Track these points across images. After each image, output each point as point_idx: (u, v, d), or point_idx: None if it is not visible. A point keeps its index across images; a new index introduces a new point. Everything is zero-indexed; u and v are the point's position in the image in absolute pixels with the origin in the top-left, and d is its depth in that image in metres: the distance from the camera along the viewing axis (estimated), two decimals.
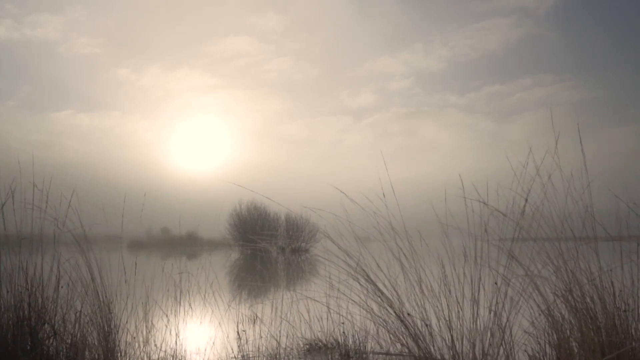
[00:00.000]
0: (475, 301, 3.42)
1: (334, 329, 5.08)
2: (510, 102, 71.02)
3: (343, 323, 4.70)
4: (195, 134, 71.06)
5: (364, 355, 4.52)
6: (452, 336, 3.33)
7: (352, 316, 4.57)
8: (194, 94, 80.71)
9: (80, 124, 76.52)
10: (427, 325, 3.33)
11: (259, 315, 5.21)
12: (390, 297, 3.47)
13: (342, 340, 4.91)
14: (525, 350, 3.84)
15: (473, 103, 72.95)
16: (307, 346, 5.19)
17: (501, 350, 3.47)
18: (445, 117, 68.53)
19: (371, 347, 4.34)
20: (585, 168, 3.52)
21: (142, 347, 4.19)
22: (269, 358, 4.74)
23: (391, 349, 3.64)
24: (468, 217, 3.56)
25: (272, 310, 5.00)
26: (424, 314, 3.46)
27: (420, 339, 3.30)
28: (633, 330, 3.64)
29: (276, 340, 4.83)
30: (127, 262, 4.46)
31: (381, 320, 3.54)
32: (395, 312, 3.36)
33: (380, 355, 4.22)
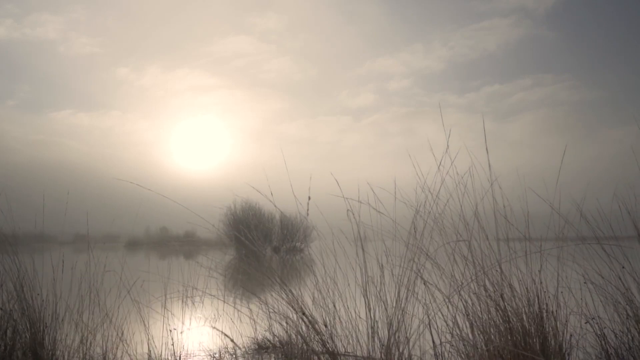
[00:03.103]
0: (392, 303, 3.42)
1: (274, 329, 4.97)
2: (509, 102, 71.44)
3: (287, 323, 4.43)
4: (195, 134, 71.33)
5: (307, 354, 4.47)
6: (389, 335, 3.34)
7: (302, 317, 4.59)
8: (193, 93, 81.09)
9: (79, 123, 76.91)
10: (326, 326, 3.48)
11: (207, 314, 5.04)
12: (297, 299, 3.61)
13: (289, 340, 4.91)
14: (450, 351, 3.76)
15: (472, 103, 73.33)
16: (256, 346, 5.21)
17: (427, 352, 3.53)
18: (445, 117, 68.86)
19: (316, 347, 4.03)
20: (489, 166, 3.51)
21: (73, 345, 4.20)
22: (214, 357, 4.80)
23: (348, 349, 3.60)
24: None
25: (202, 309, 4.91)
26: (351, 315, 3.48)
27: (324, 337, 3.44)
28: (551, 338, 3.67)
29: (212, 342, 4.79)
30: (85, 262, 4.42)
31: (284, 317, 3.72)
32: (295, 309, 3.55)
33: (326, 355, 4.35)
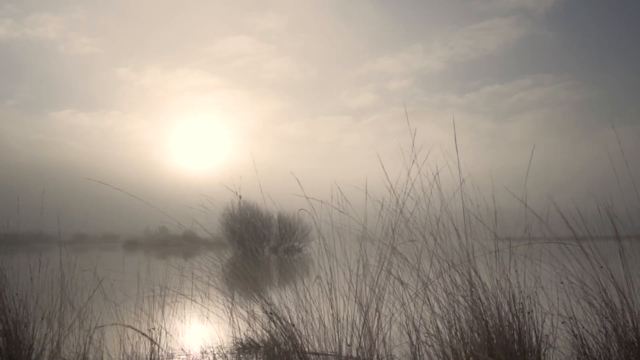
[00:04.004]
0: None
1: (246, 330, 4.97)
2: (509, 102, 71.60)
3: (269, 322, 4.35)
4: (195, 134, 71.42)
5: (288, 354, 4.09)
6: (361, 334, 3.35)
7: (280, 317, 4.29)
8: (193, 93, 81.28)
9: (79, 123, 77.11)
10: (294, 326, 3.54)
11: (189, 314, 5.00)
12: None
13: (271, 340, 4.93)
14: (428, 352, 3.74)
15: (472, 103, 73.51)
16: (239, 345, 5.12)
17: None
18: (445, 117, 69.08)
19: (312, 348, 3.97)
20: (458, 168, 3.55)
21: (49, 345, 4.21)
22: (196, 356, 4.81)
23: (317, 348, 3.66)
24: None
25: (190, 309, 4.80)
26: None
27: (293, 335, 3.50)
28: (528, 335, 3.69)
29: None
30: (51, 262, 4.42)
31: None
32: (266, 313, 3.62)
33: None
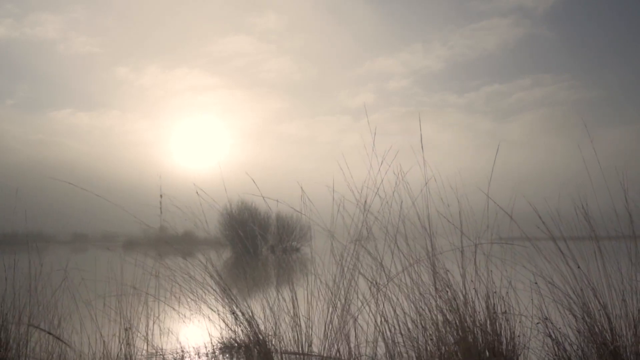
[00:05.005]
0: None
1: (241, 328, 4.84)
2: (509, 102, 71.51)
3: (250, 322, 4.24)
4: (195, 133, 71.23)
5: (269, 354, 4.06)
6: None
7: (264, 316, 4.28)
8: (193, 93, 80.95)
9: (79, 123, 76.99)
10: (255, 323, 3.63)
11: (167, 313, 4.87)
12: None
13: (254, 340, 4.44)
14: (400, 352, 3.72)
15: (472, 103, 73.25)
16: (221, 345, 4.96)
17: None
18: (445, 117, 68.81)
19: (280, 347, 3.98)
20: (424, 163, 3.56)
21: (19, 344, 4.18)
22: (176, 357, 4.78)
23: (285, 348, 3.69)
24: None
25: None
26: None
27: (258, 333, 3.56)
28: (502, 331, 3.72)
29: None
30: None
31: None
32: (233, 314, 3.70)
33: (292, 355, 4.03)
